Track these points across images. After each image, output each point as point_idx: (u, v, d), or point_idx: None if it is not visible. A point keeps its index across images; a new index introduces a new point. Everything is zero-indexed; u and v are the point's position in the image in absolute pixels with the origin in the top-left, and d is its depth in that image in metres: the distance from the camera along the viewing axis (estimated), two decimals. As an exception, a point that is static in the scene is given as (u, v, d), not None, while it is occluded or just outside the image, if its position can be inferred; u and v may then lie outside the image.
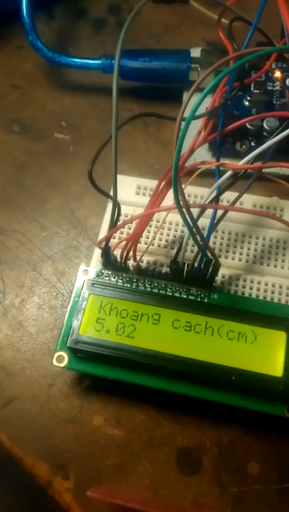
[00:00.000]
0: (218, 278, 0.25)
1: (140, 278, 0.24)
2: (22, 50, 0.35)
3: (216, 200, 0.22)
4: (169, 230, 0.27)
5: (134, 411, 0.25)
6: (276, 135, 0.20)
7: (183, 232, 0.27)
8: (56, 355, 0.23)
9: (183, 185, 0.19)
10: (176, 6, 0.36)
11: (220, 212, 0.23)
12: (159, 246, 0.26)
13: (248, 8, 0.24)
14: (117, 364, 0.23)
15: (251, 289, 0.25)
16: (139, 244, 0.24)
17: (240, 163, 0.20)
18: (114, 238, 0.26)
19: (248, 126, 0.28)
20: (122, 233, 0.27)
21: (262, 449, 0.24)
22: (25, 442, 0.24)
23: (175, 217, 0.26)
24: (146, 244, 0.25)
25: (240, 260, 0.26)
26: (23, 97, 0.33)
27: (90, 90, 0.33)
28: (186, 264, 0.23)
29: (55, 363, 0.23)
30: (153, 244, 0.26)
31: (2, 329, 0.27)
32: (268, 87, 0.30)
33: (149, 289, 0.24)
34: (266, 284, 0.25)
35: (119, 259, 0.24)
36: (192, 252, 0.25)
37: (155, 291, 0.24)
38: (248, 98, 0.29)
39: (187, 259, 0.23)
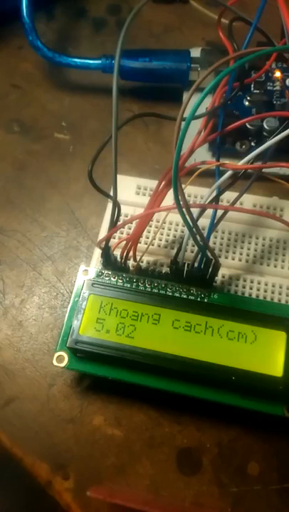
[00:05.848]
0: (218, 278, 0.25)
1: (140, 278, 0.24)
2: (22, 50, 0.35)
3: (216, 200, 0.22)
4: (169, 230, 0.27)
5: (134, 411, 0.24)
6: (276, 135, 0.20)
7: (183, 232, 0.27)
8: (56, 355, 0.23)
9: (183, 185, 0.19)
10: (176, 6, 0.36)
11: (220, 212, 0.23)
12: (159, 246, 0.26)
13: (248, 8, 0.24)
14: (117, 364, 0.23)
15: (251, 289, 0.25)
16: (139, 244, 0.24)
17: (240, 163, 0.20)
18: (114, 238, 0.26)
19: (248, 126, 0.28)
20: (122, 233, 0.27)
21: (262, 449, 0.24)
22: (25, 442, 0.24)
23: (175, 217, 0.26)
24: (146, 244, 0.25)
25: (240, 260, 0.26)
26: (23, 97, 0.33)
27: (90, 90, 0.33)
28: (186, 264, 0.23)
29: (55, 363, 0.23)
30: (153, 244, 0.26)
31: (2, 329, 0.27)
32: (268, 87, 0.30)
33: (149, 289, 0.24)
34: (266, 284, 0.25)
35: (119, 259, 0.24)
36: (192, 252, 0.25)
37: (155, 291, 0.24)
38: (248, 98, 0.29)
39: (187, 259, 0.23)
